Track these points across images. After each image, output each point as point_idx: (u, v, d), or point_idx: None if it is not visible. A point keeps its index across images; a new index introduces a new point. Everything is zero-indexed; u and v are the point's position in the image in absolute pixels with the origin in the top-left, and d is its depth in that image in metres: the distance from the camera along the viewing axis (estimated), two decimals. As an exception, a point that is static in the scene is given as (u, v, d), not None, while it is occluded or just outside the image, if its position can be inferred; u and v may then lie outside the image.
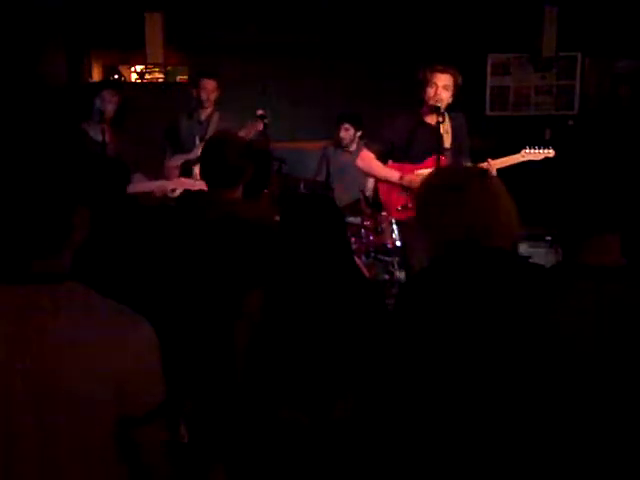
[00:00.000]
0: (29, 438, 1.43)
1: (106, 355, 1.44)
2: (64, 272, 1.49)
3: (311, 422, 2.15)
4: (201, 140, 4.94)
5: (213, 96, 5.17)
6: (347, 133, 5.79)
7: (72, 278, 1.51)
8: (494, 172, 3.89)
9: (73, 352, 1.43)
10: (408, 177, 4.16)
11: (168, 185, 4.70)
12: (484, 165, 3.94)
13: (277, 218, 3.05)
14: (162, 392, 1.55)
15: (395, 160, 4.26)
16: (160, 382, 1.55)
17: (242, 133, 4.72)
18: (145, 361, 1.50)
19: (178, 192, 4.73)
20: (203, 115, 5.20)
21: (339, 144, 5.87)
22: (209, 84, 5.16)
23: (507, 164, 4.18)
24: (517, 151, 4.31)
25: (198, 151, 4.83)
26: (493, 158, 4.17)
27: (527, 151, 4.30)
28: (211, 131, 5.01)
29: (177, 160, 5.09)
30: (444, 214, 1.88)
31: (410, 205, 4.17)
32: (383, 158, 4.28)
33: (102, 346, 1.44)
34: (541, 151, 4.29)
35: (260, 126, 4.99)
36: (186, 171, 4.99)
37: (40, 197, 1.45)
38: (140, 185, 4.44)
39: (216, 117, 5.19)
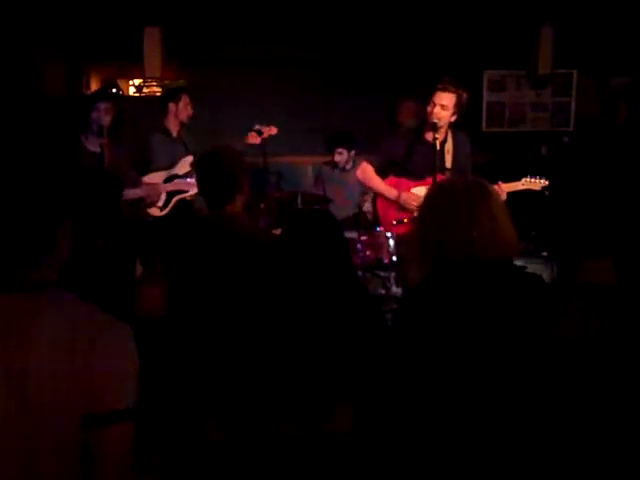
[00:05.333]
0: (11, 441, 1.45)
1: (77, 355, 1.46)
2: (48, 281, 1.52)
3: (308, 434, 2.14)
4: (181, 157, 4.90)
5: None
6: (341, 157, 5.84)
7: (62, 287, 1.54)
8: (504, 196, 3.87)
9: (49, 354, 1.45)
10: (405, 196, 4.18)
11: (164, 188, 4.75)
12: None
13: (276, 232, 3.05)
14: (131, 397, 1.53)
15: (395, 174, 4.28)
16: (131, 387, 1.53)
17: None
18: (116, 364, 1.50)
19: (193, 193, 4.74)
20: (175, 131, 5.04)
21: (335, 166, 5.90)
22: (188, 99, 5.04)
23: (505, 191, 4.08)
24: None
25: (184, 166, 4.90)
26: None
27: (527, 179, 4.27)
28: (189, 147, 4.96)
29: (161, 176, 4.89)
30: (445, 229, 1.88)
31: (406, 220, 4.19)
32: (382, 172, 4.31)
33: (74, 347, 1.46)
34: (540, 181, 4.26)
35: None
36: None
37: (24, 209, 1.48)
38: (134, 191, 4.43)
39: (184, 132, 5.08)
